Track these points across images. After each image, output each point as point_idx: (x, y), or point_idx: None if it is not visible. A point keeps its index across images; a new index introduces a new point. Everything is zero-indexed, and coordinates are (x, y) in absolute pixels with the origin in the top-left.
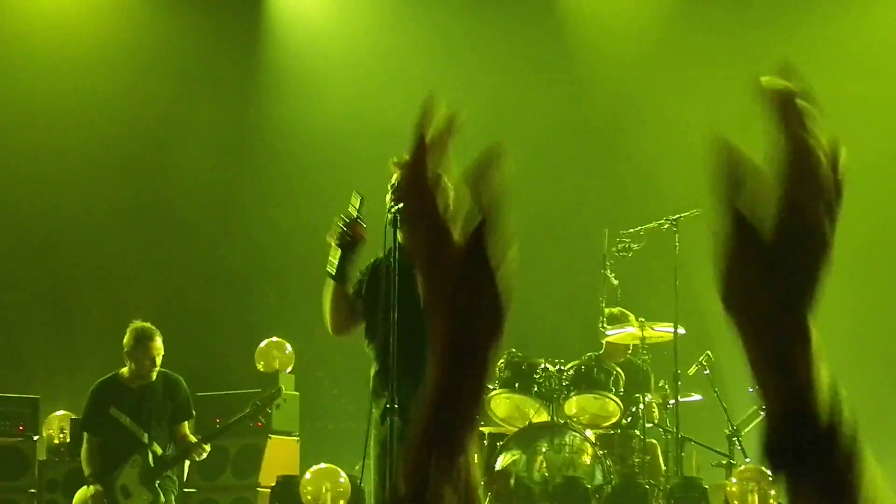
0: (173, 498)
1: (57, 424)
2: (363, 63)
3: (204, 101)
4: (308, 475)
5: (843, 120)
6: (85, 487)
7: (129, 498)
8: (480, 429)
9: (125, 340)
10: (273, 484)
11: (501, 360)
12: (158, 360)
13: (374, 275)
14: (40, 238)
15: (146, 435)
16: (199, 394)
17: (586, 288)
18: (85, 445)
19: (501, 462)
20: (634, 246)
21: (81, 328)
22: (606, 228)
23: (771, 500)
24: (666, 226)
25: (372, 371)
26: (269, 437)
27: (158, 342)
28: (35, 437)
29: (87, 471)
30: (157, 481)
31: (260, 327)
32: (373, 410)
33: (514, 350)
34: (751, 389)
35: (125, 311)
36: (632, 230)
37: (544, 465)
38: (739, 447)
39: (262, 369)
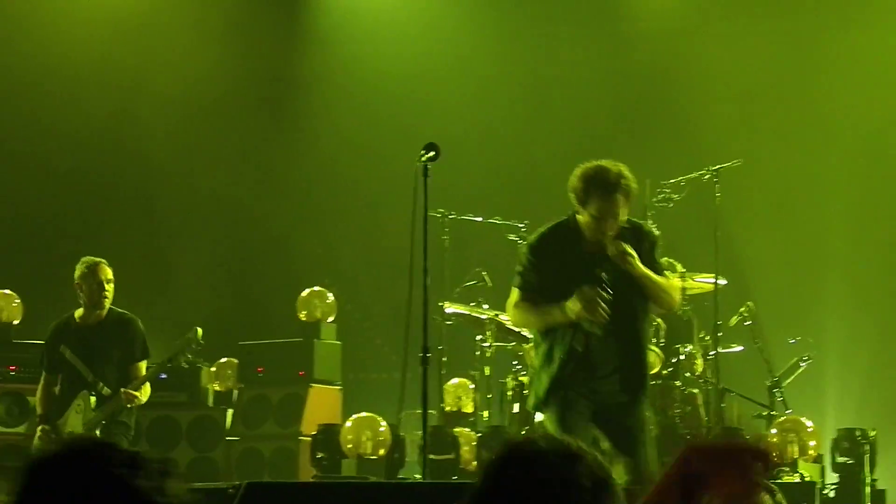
0: (125, 443)
1: None
2: (406, 22)
3: (245, 56)
4: (349, 423)
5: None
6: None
7: None
8: (521, 379)
9: (75, 273)
10: (315, 432)
11: None
12: (109, 289)
13: (567, 264)
14: (83, 193)
15: (91, 374)
16: (242, 343)
17: None
18: (40, 384)
19: (540, 415)
20: (675, 196)
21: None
22: (647, 179)
23: (810, 451)
24: (707, 176)
25: (557, 355)
26: (311, 386)
27: (106, 268)
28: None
29: (38, 410)
30: (101, 427)
31: (302, 277)
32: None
33: None
34: (792, 340)
35: (168, 260)
36: (672, 180)
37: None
38: (780, 398)
39: (303, 318)
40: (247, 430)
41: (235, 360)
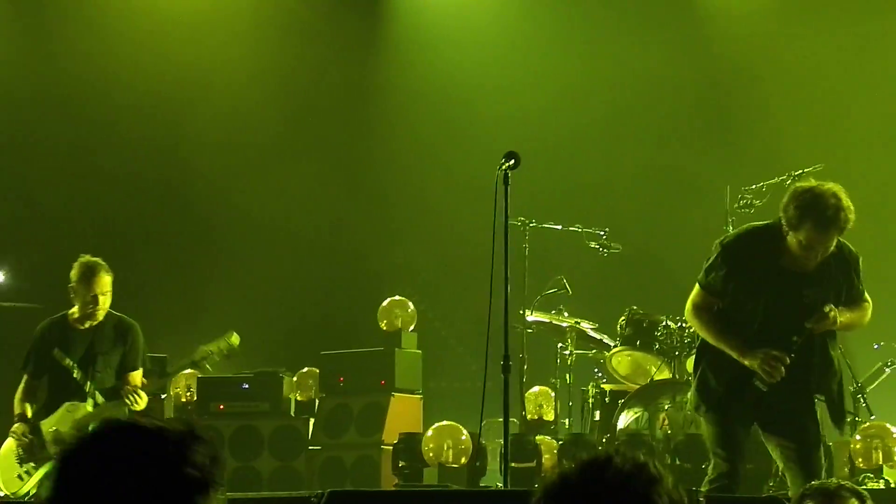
0: None
1: (184, 383)
2: (487, 30)
3: (332, 70)
4: (430, 432)
5: None
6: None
7: (60, 445)
8: (602, 386)
9: (71, 275)
10: (396, 441)
11: (622, 318)
12: (104, 301)
13: (762, 276)
14: (169, 204)
15: (88, 381)
16: (324, 352)
17: (709, 245)
18: (21, 385)
19: (624, 420)
20: (756, 202)
21: (207, 289)
22: (728, 184)
23: (895, 458)
24: (788, 181)
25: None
26: (393, 395)
27: (105, 279)
28: (163, 396)
29: (16, 410)
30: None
31: (383, 286)
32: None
33: (635, 307)
34: (876, 346)
35: (251, 271)
36: (754, 186)
37: (666, 422)
38: (864, 404)
39: (384, 328)
40: (328, 439)
41: (317, 370)
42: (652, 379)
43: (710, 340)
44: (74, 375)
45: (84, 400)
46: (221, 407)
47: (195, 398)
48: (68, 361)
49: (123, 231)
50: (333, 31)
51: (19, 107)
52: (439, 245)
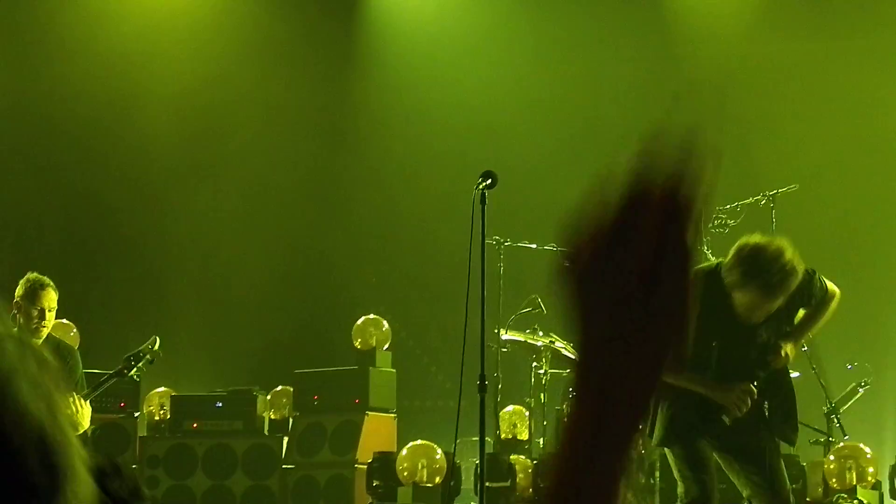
0: None
1: (157, 401)
2: (461, 46)
3: (303, 87)
4: (404, 451)
5: None
6: None
7: None
8: None
9: (16, 291)
10: (370, 460)
11: None
12: (50, 317)
13: (715, 313)
14: (140, 221)
15: None
16: (297, 371)
17: None
18: None
19: None
20: (731, 222)
21: (179, 307)
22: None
23: (869, 478)
24: (763, 201)
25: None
26: (367, 414)
27: (51, 294)
28: (136, 414)
29: None
30: None
31: (357, 305)
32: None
33: None
34: (849, 366)
35: (224, 289)
36: (728, 206)
37: (640, 441)
38: (838, 424)
39: (359, 346)
40: (302, 458)
41: (291, 388)
42: None
43: (672, 380)
44: None
45: None
46: (195, 425)
47: (168, 416)
48: None
49: (92, 247)
50: (307, 49)
51: None
52: (414, 264)
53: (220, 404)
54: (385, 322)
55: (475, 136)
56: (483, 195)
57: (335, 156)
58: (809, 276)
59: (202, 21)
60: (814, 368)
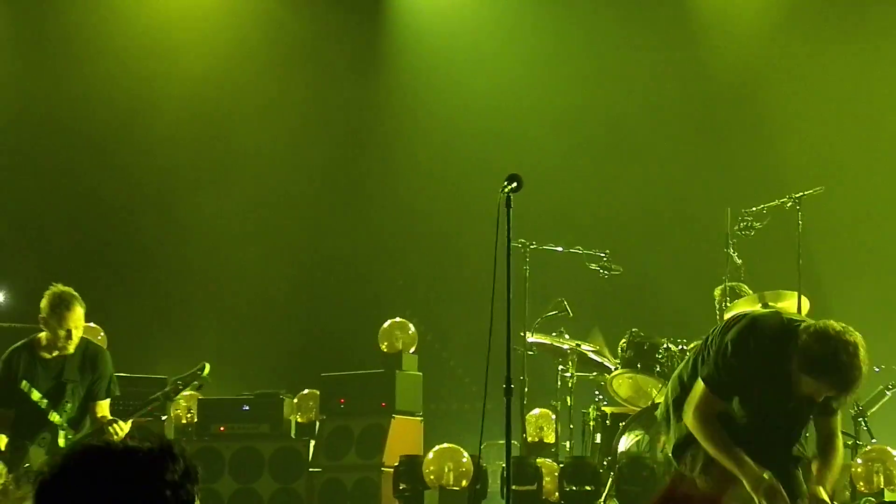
0: None
1: (184, 404)
2: (484, 49)
3: (326, 89)
4: (431, 455)
5: None
6: None
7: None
8: (603, 409)
9: (42, 304)
10: (397, 463)
11: (623, 340)
12: (76, 334)
13: (755, 378)
14: (164, 224)
15: (56, 414)
16: (324, 374)
17: (709, 267)
18: None
19: (625, 443)
20: (757, 224)
21: (205, 310)
22: (729, 207)
23: None
24: (789, 204)
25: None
26: (393, 417)
27: (78, 312)
28: (163, 417)
29: None
30: None
31: (384, 309)
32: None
33: (636, 330)
34: (877, 369)
35: (250, 292)
36: (754, 208)
37: (667, 445)
38: (865, 427)
39: (385, 350)
40: (329, 461)
41: (317, 392)
42: (653, 401)
43: (712, 452)
44: (42, 408)
45: (54, 433)
46: (222, 429)
47: (195, 419)
48: (37, 394)
49: (119, 253)
50: (333, 52)
51: (15, 127)
52: (440, 267)
53: (247, 408)
54: (411, 325)
55: (499, 139)
56: (508, 198)
57: (359, 159)
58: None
59: (223, 22)
60: None
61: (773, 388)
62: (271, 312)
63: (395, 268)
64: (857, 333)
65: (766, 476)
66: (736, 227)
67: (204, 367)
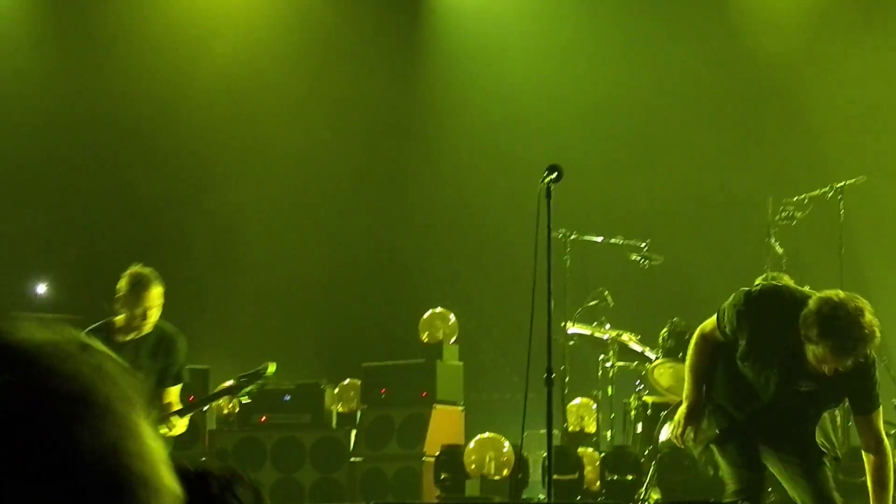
0: None
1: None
2: (525, 42)
3: (369, 83)
4: (472, 444)
5: None
6: None
7: None
8: (644, 398)
9: (119, 285)
10: (438, 453)
11: (665, 329)
12: (153, 314)
13: (772, 337)
14: (209, 219)
15: None
16: (365, 364)
17: (751, 256)
18: None
19: (666, 432)
20: (798, 214)
21: (247, 301)
22: (770, 196)
23: None
24: (830, 194)
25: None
26: (434, 407)
27: (156, 291)
28: (205, 409)
29: None
30: None
31: (425, 298)
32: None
33: (677, 319)
34: None
35: (291, 283)
36: (796, 198)
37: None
38: None
39: (426, 340)
40: (370, 450)
41: (358, 382)
42: None
43: (686, 363)
44: None
45: None
46: (263, 419)
47: (237, 410)
48: None
49: (160, 244)
50: (371, 46)
51: (58, 122)
52: (480, 257)
53: (289, 398)
54: (452, 315)
55: (539, 130)
56: (549, 189)
57: (400, 151)
58: (871, 361)
59: (263, 18)
60: (883, 360)
61: (785, 360)
62: (312, 303)
63: (436, 258)
64: (863, 300)
65: (695, 402)
66: (777, 217)
67: (268, 367)
